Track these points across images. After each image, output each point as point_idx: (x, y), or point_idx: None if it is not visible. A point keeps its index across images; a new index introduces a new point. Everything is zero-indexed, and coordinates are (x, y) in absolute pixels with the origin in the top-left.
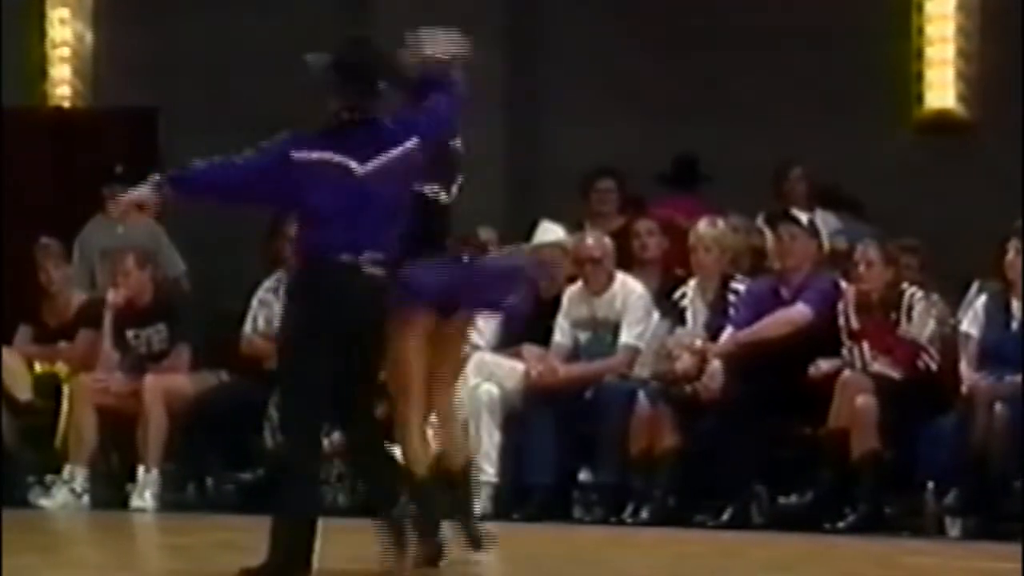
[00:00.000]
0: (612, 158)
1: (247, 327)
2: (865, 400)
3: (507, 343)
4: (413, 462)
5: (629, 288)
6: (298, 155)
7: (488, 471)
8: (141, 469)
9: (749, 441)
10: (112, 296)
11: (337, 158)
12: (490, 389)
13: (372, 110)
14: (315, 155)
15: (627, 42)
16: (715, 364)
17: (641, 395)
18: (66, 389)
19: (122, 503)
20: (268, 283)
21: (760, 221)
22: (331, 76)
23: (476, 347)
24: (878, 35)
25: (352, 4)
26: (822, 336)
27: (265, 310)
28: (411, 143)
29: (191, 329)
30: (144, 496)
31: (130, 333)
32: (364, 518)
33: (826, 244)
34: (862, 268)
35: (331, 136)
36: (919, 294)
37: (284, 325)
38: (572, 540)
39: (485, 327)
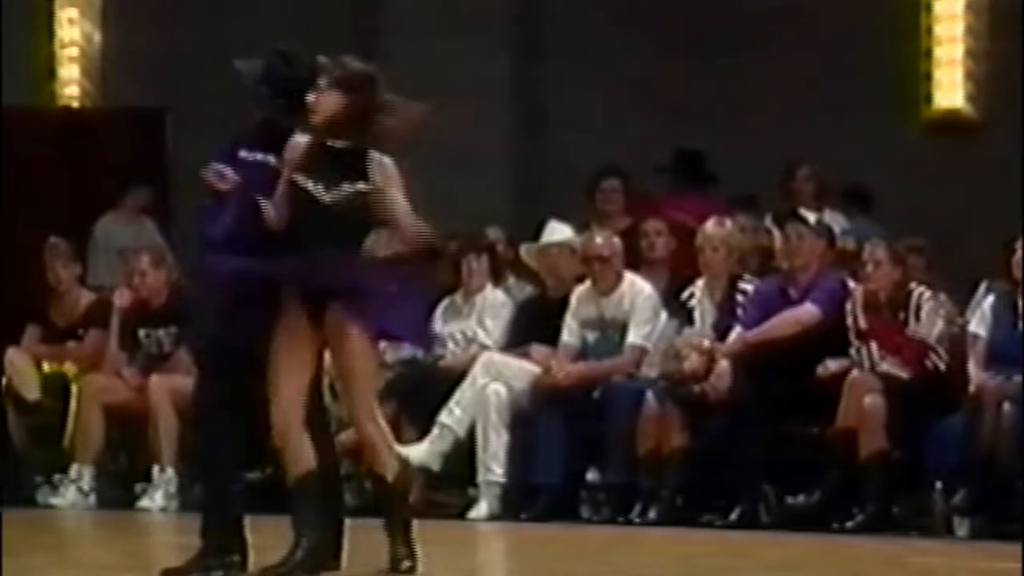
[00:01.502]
0: (619, 158)
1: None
2: (873, 400)
3: (516, 343)
4: (288, 461)
5: (637, 288)
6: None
7: (496, 471)
8: (155, 469)
9: (757, 441)
10: (119, 298)
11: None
12: (498, 389)
13: (296, 123)
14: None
15: (634, 43)
16: (723, 364)
17: (649, 395)
18: (74, 389)
19: (129, 502)
20: None
21: (768, 221)
22: (258, 87)
23: (484, 347)
24: (887, 35)
25: (361, 4)
26: (830, 336)
27: None
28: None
29: (196, 329)
30: (156, 496)
31: (141, 332)
32: (371, 517)
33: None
34: (870, 268)
35: (250, 146)
36: (927, 294)
37: None
38: (580, 540)
39: (493, 327)
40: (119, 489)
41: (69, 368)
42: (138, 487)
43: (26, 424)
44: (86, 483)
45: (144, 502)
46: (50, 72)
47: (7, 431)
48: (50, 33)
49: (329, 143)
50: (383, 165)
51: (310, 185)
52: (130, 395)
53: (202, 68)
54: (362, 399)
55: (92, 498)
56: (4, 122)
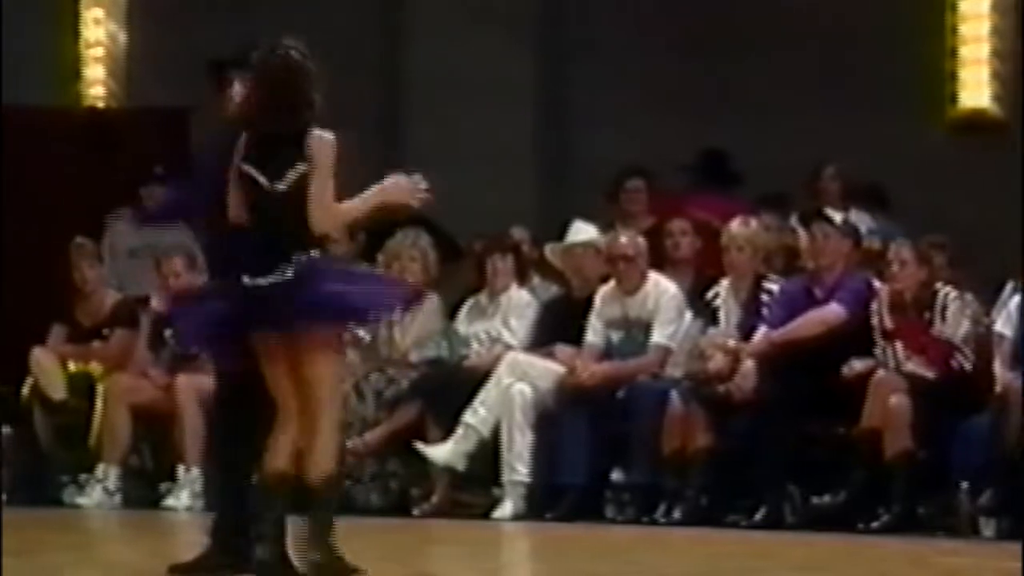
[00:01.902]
0: (643, 157)
1: None
2: (898, 400)
3: (540, 343)
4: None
5: (662, 288)
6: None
7: (520, 471)
8: (181, 469)
9: (782, 441)
10: (155, 301)
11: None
12: (523, 389)
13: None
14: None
15: (658, 42)
16: (748, 364)
17: (674, 395)
18: (100, 388)
19: (155, 502)
20: None
21: (793, 220)
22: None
23: (509, 347)
24: (912, 34)
25: (385, 4)
26: (855, 336)
27: None
28: None
29: None
30: (182, 495)
31: (167, 332)
32: (397, 517)
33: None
34: (895, 268)
35: None
36: (953, 294)
37: None
38: (604, 540)
39: (518, 327)
40: (145, 488)
41: (95, 368)
42: (163, 486)
43: (52, 424)
44: (112, 482)
45: (169, 501)
46: (75, 72)
47: (33, 431)
48: (75, 33)
49: (265, 131)
50: (320, 141)
51: (255, 173)
52: (156, 395)
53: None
54: (325, 404)
55: (118, 497)
56: (31, 122)
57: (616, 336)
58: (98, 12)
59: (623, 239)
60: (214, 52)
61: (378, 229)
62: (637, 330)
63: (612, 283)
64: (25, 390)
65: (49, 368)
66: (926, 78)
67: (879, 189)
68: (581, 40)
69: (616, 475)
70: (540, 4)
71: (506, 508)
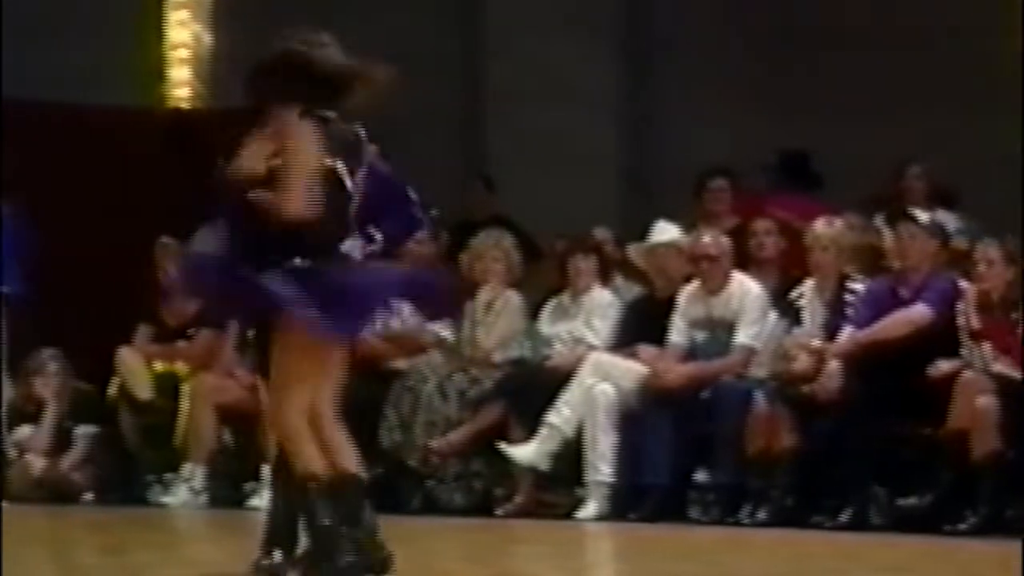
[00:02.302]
0: (726, 157)
1: None
2: (986, 400)
3: (623, 343)
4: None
5: (746, 288)
6: None
7: (604, 471)
8: (266, 468)
9: (867, 442)
10: None
11: None
12: (606, 389)
13: None
14: None
15: (741, 41)
16: (833, 364)
17: (758, 395)
18: (185, 388)
19: (239, 501)
20: None
21: (879, 220)
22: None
23: (592, 347)
24: (991, 32)
25: (468, 6)
26: (942, 336)
27: None
28: None
29: None
30: (266, 495)
31: (252, 333)
32: (480, 517)
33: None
34: (982, 267)
35: None
36: None
37: None
38: (688, 540)
39: (600, 327)
40: (230, 488)
41: (180, 368)
42: (248, 486)
43: (138, 423)
44: (197, 482)
45: (254, 501)
46: (160, 74)
47: (120, 430)
48: (160, 35)
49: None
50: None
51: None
52: (241, 394)
53: None
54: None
55: (203, 497)
56: (116, 123)
57: (700, 336)
58: (183, 14)
59: (707, 239)
60: None
61: (460, 229)
62: (721, 330)
63: (696, 283)
64: (112, 390)
65: (135, 368)
66: (1011, 75)
67: (942, 188)
68: (662, 41)
69: (700, 476)
70: (622, 6)
71: (589, 508)
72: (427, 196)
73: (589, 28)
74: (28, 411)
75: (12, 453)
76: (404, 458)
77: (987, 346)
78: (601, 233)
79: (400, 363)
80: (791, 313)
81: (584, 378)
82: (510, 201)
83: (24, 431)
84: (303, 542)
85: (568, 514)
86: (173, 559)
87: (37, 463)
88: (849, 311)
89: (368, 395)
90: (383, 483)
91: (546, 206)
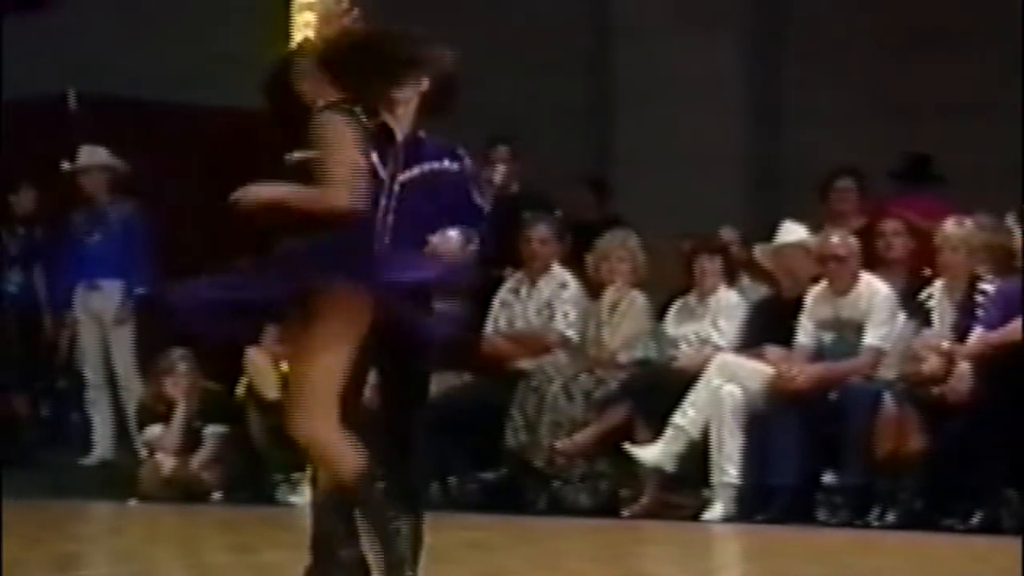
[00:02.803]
0: (853, 157)
1: (488, 327)
2: None
3: (750, 344)
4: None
5: (874, 288)
6: None
7: (731, 472)
8: None
9: (999, 444)
10: None
11: None
12: (733, 390)
13: None
14: None
15: (868, 42)
16: (963, 366)
17: (887, 397)
18: None
19: None
20: (510, 283)
21: (1010, 220)
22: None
23: (718, 348)
24: None
25: (594, 2)
26: None
27: (506, 311)
28: None
29: None
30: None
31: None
32: (606, 518)
33: None
34: None
35: None
36: None
37: None
38: (816, 543)
39: (727, 328)
40: None
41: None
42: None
43: (266, 423)
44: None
45: None
46: None
47: (248, 430)
48: (286, 37)
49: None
50: None
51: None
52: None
53: None
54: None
55: None
56: (241, 124)
57: (828, 337)
58: (309, 16)
59: (835, 239)
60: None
61: (585, 229)
62: (849, 331)
63: (824, 284)
64: (240, 390)
65: (263, 368)
66: None
67: None
68: (792, 40)
69: (828, 477)
70: (751, 5)
71: (716, 510)
72: (554, 196)
73: (717, 26)
74: (158, 411)
75: (143, 452)
76: (529, 459)
77: None
78: (727, 233)
79: (525, 363)
80: (920, 314)
81: (710, 379)
82: (636, 201)
83: (154, 430)
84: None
85: (694, 515)
86: (301, 558)
87: (167, 462)
88: (979, 312)
89: (493, 396)
90: (508, 484)
91: (672, 206)
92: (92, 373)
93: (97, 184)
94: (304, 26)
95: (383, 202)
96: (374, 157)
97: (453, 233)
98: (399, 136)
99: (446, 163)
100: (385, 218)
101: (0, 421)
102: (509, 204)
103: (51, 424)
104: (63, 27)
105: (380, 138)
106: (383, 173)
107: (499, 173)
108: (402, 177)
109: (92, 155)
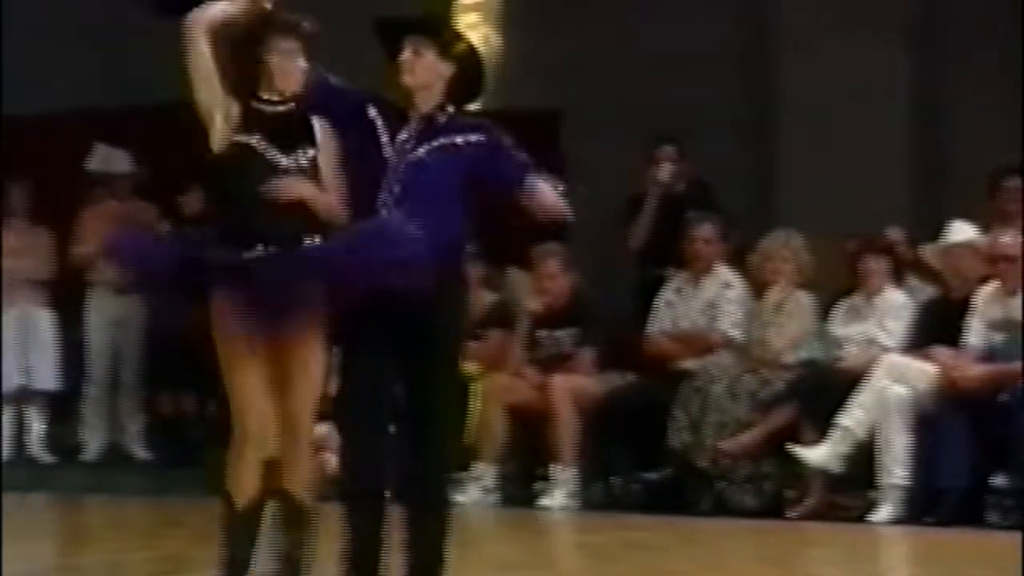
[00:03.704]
0: (1019, 157)
1: (652, 327)
2: None
3: (917, 344)
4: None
5: None
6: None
7: (898, 474)
8: (555, 468)
9: None
10: (533, 303)
11: None
12: (900, 391)
13: None
14: None
15: None
16: None
17: None
18: (476, 388)
19: (530, 501)
20: (673, 283)
21: None
22: None
23: (885, 349)
24: None
25: (759, 6)
26: None
27: (670, 310)
28: None
29: (595, 330)
30: (556, 495)
31: (542, 333)
32: (771, 519)
33: None
34: None
35: None
36: None
37: None
38: (985, 546)
39: (894, 328)
40: (520, 487)
41: (471, 368)
42: (538, 485)
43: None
44: (489, 481)
45: (545, 500)
46: None
47: None
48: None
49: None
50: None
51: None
52: (531, 394)
53: (599, 72)
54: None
55: (495, 496)
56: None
57: (998, 338)
58: (473, 16)
59: (1007, 239)
60: (583, 56)
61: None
62: (1020, 332)
63: (994, 284)
64: None
65: None
66: None
67: None
68: (957, 40)
69: (998, 479)
70: (916, 4)
71: (883, 511)
72: (720, 196)
73: (881, 27)
74: (323, 410)
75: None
76: (694, 459)
77: None
78: (893, 233)
79: (689, 363)
80: None
81: (877, 380)
82: (800, 200)
83: (320, 430)
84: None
85: (861, 517)
86: (466, 557)
87: (332, 460)
88: None
89: (657, 396)
90: (672, 484)
91: (838, 206)
92: None
93: None
94: (468, 27)
95: (393, 186)
96: (383, 139)
97: (541, 183)
98: (412, 119)
99: (460, 138)
100: (395, 200)
101: (168, 420)
102: (674, 203)
103: (217, 423)
104: None
105: (393, 120)
106: (391, 154)
107: (665, 172)
108: (411, 156)
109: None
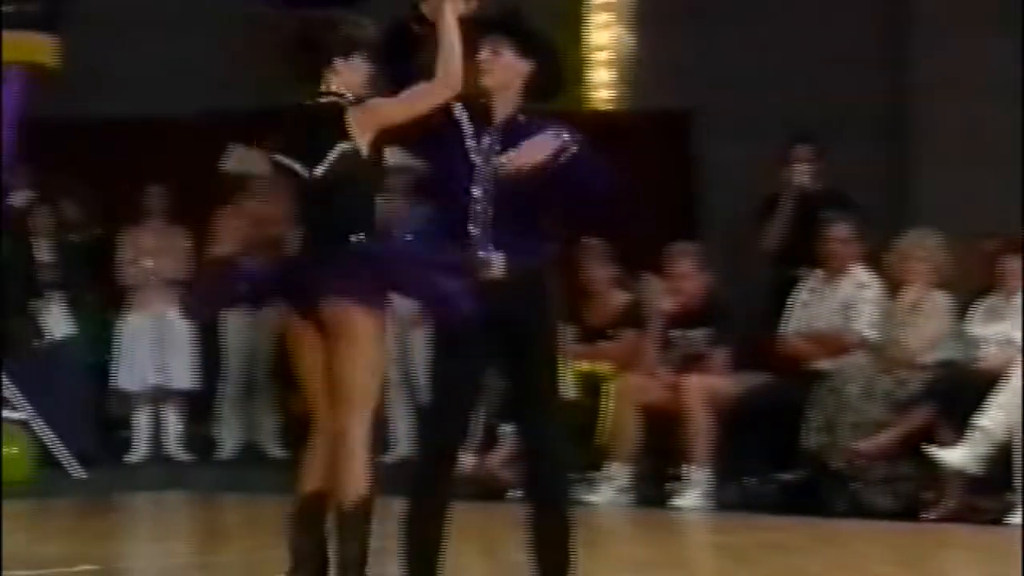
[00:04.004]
0: None
1: (786, 327)
2: None
3: None
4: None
5: None
6: None
7: None
8: (688, 468)
9: None
10: (665, 303)
11: None
12: None
13: None
14: None
15: None
16: None
17: None
18: (609, 388)
19: (663, 501)
20: (808, 283)
21: None
22: None
23: None
24: None
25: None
26: None
27: (805, 310)
28: None
29: (729, 330)
30: (690, 495)
31: (675, 333)
32: (906, 520)
33: None
34: None
35: None
36: None
37: None
38: None
39: None
40: (653, 488)
41: (603, 367)
42: (672, 486)
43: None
44: (622, 481)
45: (678, 501)
46: (581, 76)
47: None
48: (579, 38)
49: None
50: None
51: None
52: (664, 394)
53: (732, 72)
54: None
55: (628, 496)
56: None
57: None
58: (605, 16)
59: None
60: (714, 56)
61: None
62: None
63: None
64: None
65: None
66: None
67: None
68: None
69: None
70: None
71: (1021, 513)
72: (856, 195)
73: (1018, 23)
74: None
75: None
76: (829, 460)
77: None
78: None
79: (824, 364)
80: None
81: (1016, 380)
82: (936, 200)
83: None
84: None
85: (999, 519)
86: (600, 557)
87: (467, 460)
88: None
89: (791, 396)
90: (806, 485)
91: (975, 205)
92: (391, 372)
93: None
94: (600, 27)
95: (478, 190)
96: (468, 142)
97: (540, 138)
98: (497, 120)
99: (543, 139)
100: (482, 204)
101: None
102: (810, 203)
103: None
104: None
105: (477, 122)
106: (477, 159)
107: (802, 173)
108: (496, 161)
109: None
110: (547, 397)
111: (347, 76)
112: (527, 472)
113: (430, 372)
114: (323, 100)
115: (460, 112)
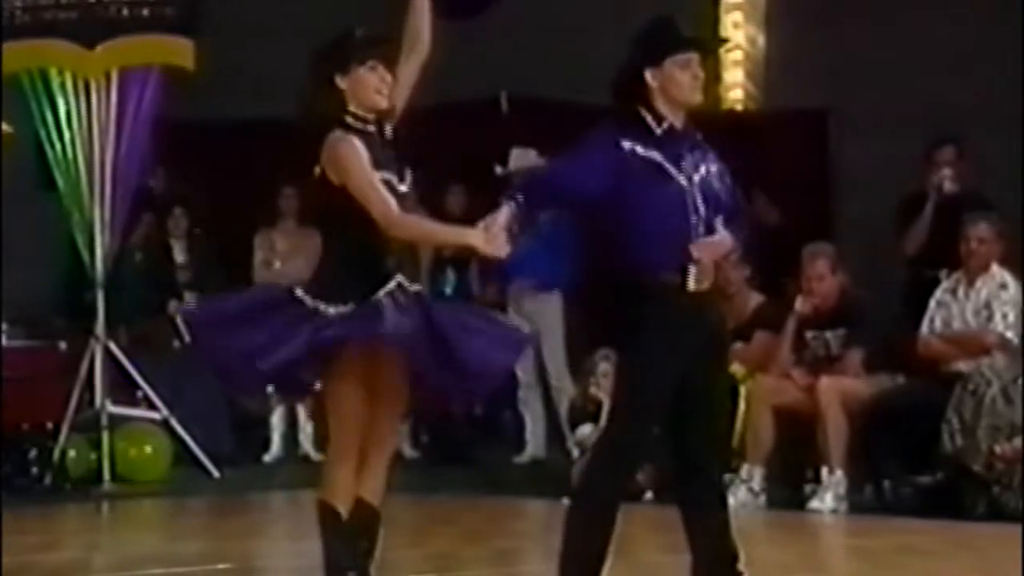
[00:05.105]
0: None
1: (924, 328)
2: None
3: None
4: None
5: None
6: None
7: None
8: (824, 471)
9: None
10: (800, 304)
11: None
12: None
13: None
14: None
15: None
16: None
17: None
18: (742, 390)
19: (799, 504)
20: (947, 284)
21: None
22: None
23: None
24: None
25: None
26: None
27: (943, 311)
28: None
29: (865, 331)
30: (826, 498)
31: (809, 334)
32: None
33: None
34: None
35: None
36: None
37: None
38: None
39: None
40: (788, 490)
41: (737, 369)
42: (807, 488)
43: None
44: (756, 483)
45: (814, 503)
46: (715, 76)
47: None
48: (714, 37)
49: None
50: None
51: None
52: (799, 396)
53: (868, 70)
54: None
55: (762, 498)
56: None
57: None
58: (737, 16)
59: None
60: (849, 55)
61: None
62: None
63: None
64: None
65: None
66: None
67: None
68: None
69: None
70: None
71: None
72: (997, 195)
73: None
74: (589, 410)
75: (574, 452)
76: (967, 463)
77: None
78: None
79: (962, 365)
80: None
81: None
82: None
83: (585, 430)
84: None
85: None
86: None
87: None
88: None
89: (928, 398)
90: (945, 488)
91: None
92: (524, 372)
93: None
94: (732, 26)
95: (690, 206)
96: (659, 158)
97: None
98: (680, 134)
99: (712, 153)
100: (703, 223)
101: (437, 420)
102: (950, 204)
103: (485, 422)
104: (496, 29)
105: (667, 139)
106: (680, 176)
107: (946, 178)
108: (697, 177)
109: (522, 158)
110: (719, 397)
111: None
112: (689, 470)
113: (626, 384)
114: None
115: (625, 143)
